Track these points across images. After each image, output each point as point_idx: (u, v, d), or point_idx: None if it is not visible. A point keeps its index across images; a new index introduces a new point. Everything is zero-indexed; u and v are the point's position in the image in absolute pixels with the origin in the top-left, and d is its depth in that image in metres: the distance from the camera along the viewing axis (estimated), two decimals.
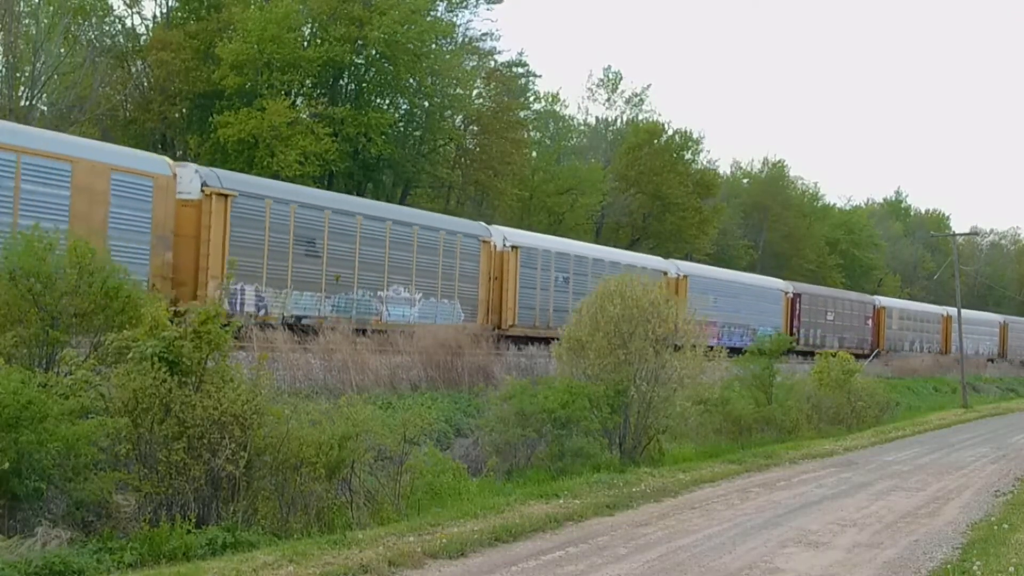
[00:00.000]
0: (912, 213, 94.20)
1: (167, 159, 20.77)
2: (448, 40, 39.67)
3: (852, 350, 40.22)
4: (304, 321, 21.48)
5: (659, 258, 37.68)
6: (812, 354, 35.60)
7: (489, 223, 30.56)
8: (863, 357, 42.98)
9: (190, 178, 19.76)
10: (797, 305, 43.18)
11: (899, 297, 65.03)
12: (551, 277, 29.59)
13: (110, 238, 17.27)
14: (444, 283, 25.91)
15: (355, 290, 23.07)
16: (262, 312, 20.58)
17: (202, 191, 19.68)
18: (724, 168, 69.99)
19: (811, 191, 73.38)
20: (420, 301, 25.08)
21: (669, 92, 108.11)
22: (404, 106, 39.56)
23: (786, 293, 43.18)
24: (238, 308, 19.76)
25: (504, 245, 28.09)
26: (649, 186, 50.86)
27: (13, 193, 16.36)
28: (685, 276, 35.67)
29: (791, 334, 38.88)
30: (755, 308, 40.05)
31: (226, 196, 20.01)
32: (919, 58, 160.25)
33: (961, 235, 63.30)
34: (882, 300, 54.20)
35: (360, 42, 35.31)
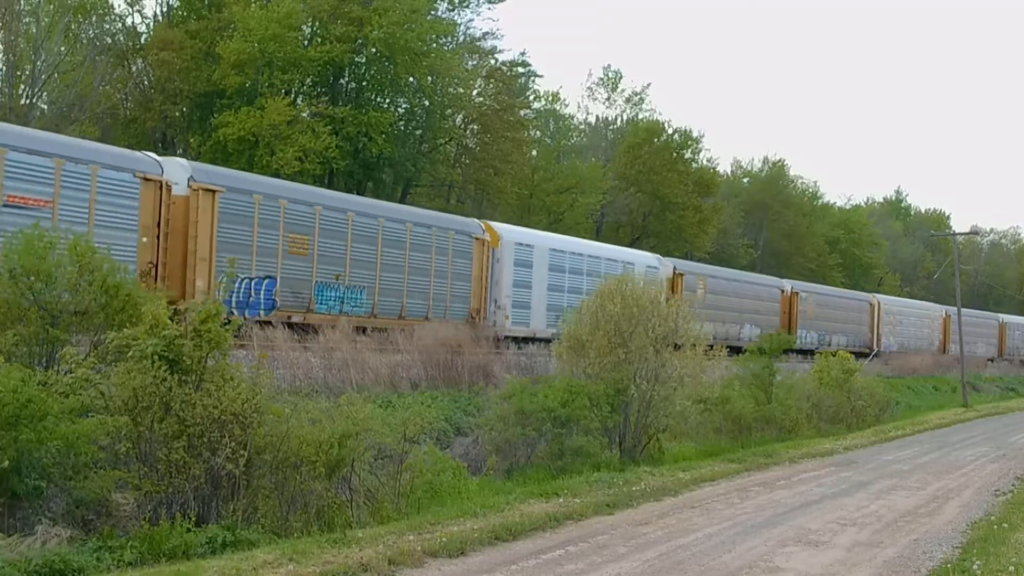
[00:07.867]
0: (912, 212, 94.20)
1: None
2: (449, 39, 39.65)
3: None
4: None
5: (462, 217, 29.90)
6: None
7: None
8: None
9: None
10: (679, 284, 35.46)
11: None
12: (279, 236, 21.58)
13: None
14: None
15: None
16: None
17: None
18: (724, 167, 70.19)
19: (811, 190, 73.43)
20: None
21: (669, 91, 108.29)
22: (404, 105, 39.55)
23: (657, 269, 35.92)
24: None
25: (188, 186, 20.01)
26: (649, 185, 50.86)
27: None
28: (497, 236, 28.67)
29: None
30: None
31: None
32: (919, 57, 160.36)
33: (961, 234, 63.11)
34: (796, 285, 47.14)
35: (360, 42, 35.31)
